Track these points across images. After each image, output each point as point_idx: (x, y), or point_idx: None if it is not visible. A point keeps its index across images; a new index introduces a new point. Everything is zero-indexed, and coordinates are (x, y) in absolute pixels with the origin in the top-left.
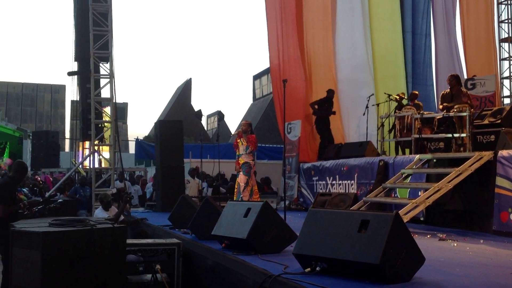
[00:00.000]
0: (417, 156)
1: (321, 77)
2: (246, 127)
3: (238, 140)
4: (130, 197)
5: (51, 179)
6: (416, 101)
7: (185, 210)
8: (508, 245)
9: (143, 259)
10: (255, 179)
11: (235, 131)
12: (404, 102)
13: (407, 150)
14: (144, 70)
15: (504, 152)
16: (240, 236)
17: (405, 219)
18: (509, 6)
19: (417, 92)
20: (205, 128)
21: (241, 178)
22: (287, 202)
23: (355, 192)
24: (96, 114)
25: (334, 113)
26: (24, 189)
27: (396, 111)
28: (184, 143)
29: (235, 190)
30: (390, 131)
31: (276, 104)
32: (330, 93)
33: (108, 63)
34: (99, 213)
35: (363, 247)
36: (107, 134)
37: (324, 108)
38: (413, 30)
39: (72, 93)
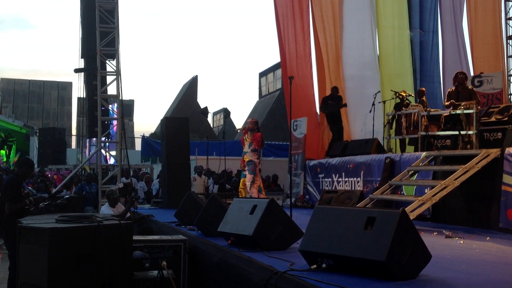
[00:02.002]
0: (424, 154)
1: (328, 74)
2: (252, 125)
3: (244, 137)
4: (136, 198)
5: (61, 176)
6: (423, 98)
7: (191, 207)
8: None
9: (149, 256)
10: (260, 177)
11: (242, 126)
12: (411, 99)
13: (413, 148)
14: (151, 67)
15: (511, 150)
16: (246, 233)
17: (412, 216)
18: None
19: (424, 89)
20: (211, 125)
21: (247, 178)
22: (293, 199)
23: (361, 189)
24: (102, 111)
25: (339, 106)
26: (29, 188)
27: (403, 108)
28: (190, 140)
29: (240, 190)
30: (390, 125)
31: (287, 101)
32: (333, 90)
33: (115, 60)
34: (105, 209)
35: (369, 244)
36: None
37: (328, 105)
38: (421, 27)
39: (78, 90)
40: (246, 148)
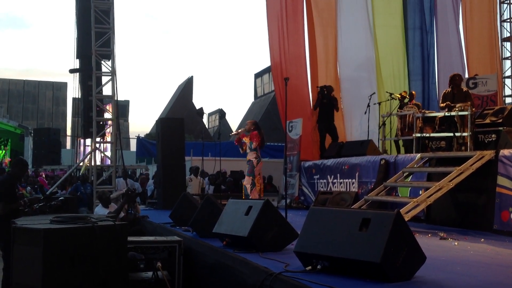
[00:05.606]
0: (419, 155)
1: (323, 75)
2: (249, 126)
3: (244, 139)
4: (133, 194)
5: (43, 177)
6: (414, 101)
7: (186, 208)
8: (509, 244)
9: (144, 257)
10: (261, 178)
11: (235, 131)
12: (406, 101)
13: (408, 149)
14: (146, 68)
15: (505, 152)
16: (241, 234)
17: (406, 218)
18: (511, 5)
19: (414, 92)
20: (207, 126)
21: (246, 180)
22: (288, 201)
23: (356, 190)
24: (97, 111)
25: (333, 106)
26: (28, 188)
27: (398, 110)
28: (186, 141)
29: (243, 192)
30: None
31: (278, 103)
32: (329, 89)
33: (110, 60)
34: (99, 210)
35: (364, 245)
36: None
37: (323, 104)
38: (419, 27)
39: (73, 91)
40: (247, 149)
